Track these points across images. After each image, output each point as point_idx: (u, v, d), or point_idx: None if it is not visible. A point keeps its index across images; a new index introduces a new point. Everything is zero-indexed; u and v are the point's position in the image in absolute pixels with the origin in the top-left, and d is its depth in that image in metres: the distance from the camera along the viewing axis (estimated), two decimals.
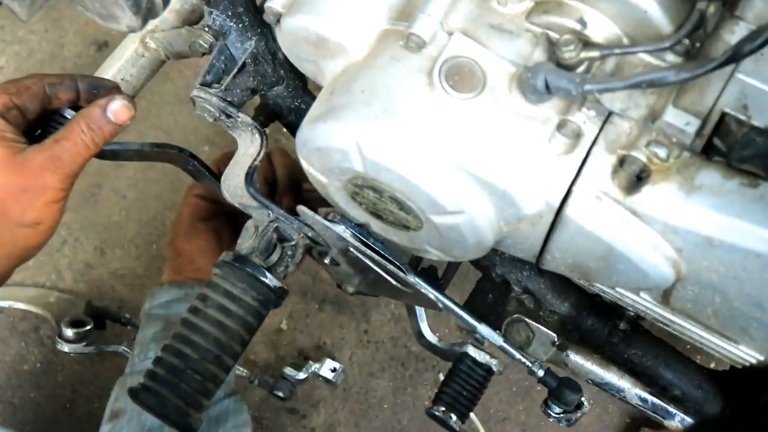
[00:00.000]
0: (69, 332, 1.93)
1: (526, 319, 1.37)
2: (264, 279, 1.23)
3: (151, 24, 1.45)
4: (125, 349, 1.91)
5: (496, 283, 1.38)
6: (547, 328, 1.37)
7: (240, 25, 1.23)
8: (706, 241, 0.97)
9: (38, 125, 1.21)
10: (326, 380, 2.01)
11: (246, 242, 1.26)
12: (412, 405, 1.74)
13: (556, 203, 1.02)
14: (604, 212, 1.00)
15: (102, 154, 1.25)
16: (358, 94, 1.05)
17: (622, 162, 0.98)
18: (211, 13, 1.22)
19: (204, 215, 1.50)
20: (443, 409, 1.34)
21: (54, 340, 1.97)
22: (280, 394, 1.97)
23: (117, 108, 1.17)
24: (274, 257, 1.26)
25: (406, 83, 1.03)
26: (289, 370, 2.00)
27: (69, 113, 1.20)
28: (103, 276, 2.14)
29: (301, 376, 2.00)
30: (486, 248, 1.12)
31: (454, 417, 1.34)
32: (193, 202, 1.51)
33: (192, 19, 1.43)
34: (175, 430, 1.20)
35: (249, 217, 1.28)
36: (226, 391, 1.42)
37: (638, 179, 0.98)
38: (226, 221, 1.51)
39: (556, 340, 1.37)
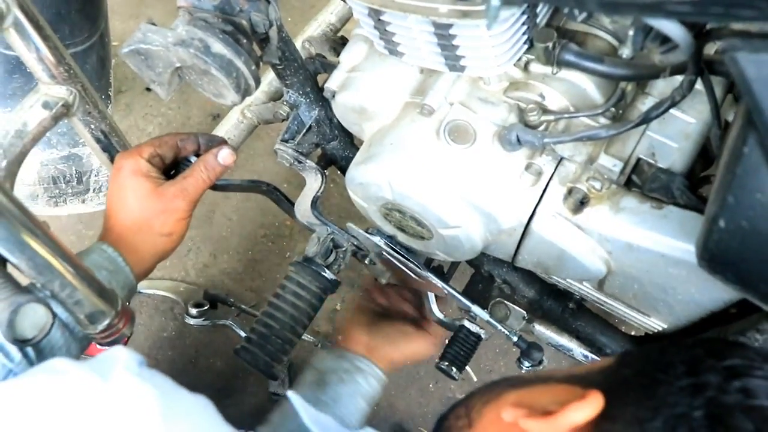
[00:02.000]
0: (193, 311, 1.93)
1: (505, 302, 1.36)
2: (324, 274, 1.23)
3: (248, 101, 1.46)
4: (230, 322, 1.91)
5: (485, 276, 1.37)
6: (519, 308, 1.35)
7: (308, 100, 1.22)
8: (627, 246, 0.96)
9: (172, 167, 1.21)
10: None
11: (311, 248, 1.26)
12: (426, 362, 1.72)
13: (525, 220, 1.01)
14: (558, 227, 0.99)
15: (214, 187, 1.25)
16: (388, 146, 1.04)
17: (570, 192, 0.98)
18: (288, 91, 1.22)
19: (368, 309, 1.46)
20: (447, 363, 1.33)
21: (183, 316, 1.97)
22: None
23: (225, 155, 1.18)
24: (331, 259, 1.26)
25: (421, 138, 1.02)
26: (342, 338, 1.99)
27: (193, 159, 1.21)
28: (215, 273, 2.14)
29: None
30: (477, 251, 1.10)
31: (454, 369, 1.33)
32: (366, 299, 1.49)
33: (275, 97, 1.43)
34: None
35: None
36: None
37: (581, 203, 0.97)
38: (374, 315, 1.46)
39: (525, 316, 1.35)
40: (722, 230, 0.73)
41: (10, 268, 0.88)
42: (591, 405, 0.67)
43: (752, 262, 0.74)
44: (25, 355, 0.95)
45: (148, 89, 2.41)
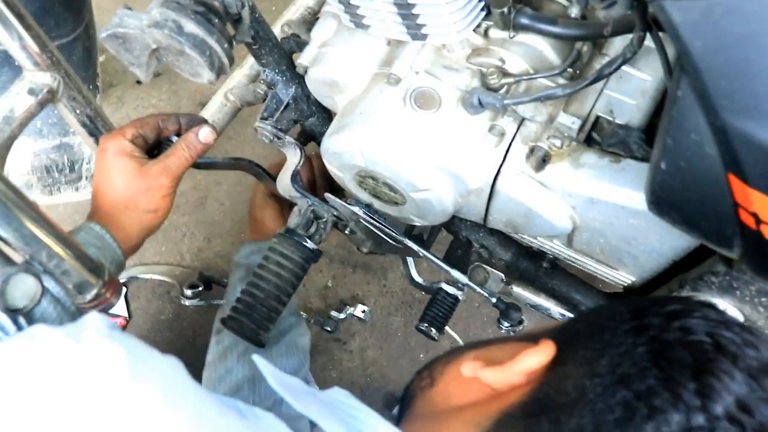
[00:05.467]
0: (188, 292, 1.97)
1: (483, 265, 1.39)
2: (306, 244, 1.25)
3: (231, 84, 1.49)
4: (224, 302, 1.94)
5: (463, 242, 1.39)
6: (497, 271, 1.38)
7: (284, 78, 1.25)
8: (589, 200, 0.99)
9: (155, 147, 1.24)
10: (359, 318, 2.03)
11: (293, 220, 1.28)
12: (417, 333, 1.74)
13: (491, 180, 1.03)
14: (522, 184, 1.02)
15: (198, 165, 1.28)
16: (358, 115, 1.07)
17: (532, 150, 1.00)
18: (265, 71, 1.25)
19: (268, 194, 1.49)
20: (426, 324, 1.36)
21: (180, 298, 2.00)
22: (328, 328, 1.99)
23: (205, 133, 1.21)
24: (312, 229, 1.28)
25: (389, 106, 1.05)
26: (333, 313, 2.02)
27: (174, 138, 1.23)
28: (210, 256, 2.17)
29: (342, 316, 2.02)
30: (449, 214, 1.13)
31: (433, 330, 1.36)
32: (261, 187, 1.50)
33: (257, 80, 1.46)
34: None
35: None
36: (290, 312, 1.41)
37: (543, 161, 1.00)
38: (284, 199, 1.49)
39: (503, 278, 1.38)
40: (664, 172, 0.76)
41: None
42: (543, 351, 0.71)
43: (692, 201, 0.77)
44: (20, 328, 0.98)
45: (139, 82, 2.43)
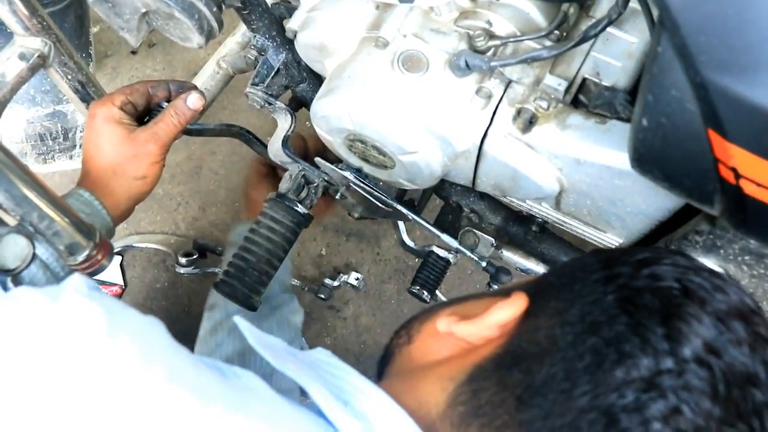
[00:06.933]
0: (182, 260, 1.98)
1: (474, 230, 1.39)
2: (297, 208, 1.26)
3: (223, 51, 1.49)
4: (219, 270, 1.94)
5: (453, 207, 1.40)
6: (487, 235, 1.39)
7: (275, 44, 1.25)
8: (576, 161, 1.00)
9: (145, 114, 1.24)
10: (352, 286, 2.05)
11: (284, 185, 1.29)
12: (410, 300, 1.77)
13: (478, 142, 1.04)
14: (509, 146, 1.03)
15: (189, 132, 1.28)
16: (347, 78, 1.07)
17: (519, 112, 1.01)
18: (255, 36, 1.25)
19: (264, 174, 1.52)
20: (418, 287, 1.37)
21: (175, 266, 2.01)
22: (322, 296, 2.01)
23: (193, 99, 1.20)
24: (303, 194, 1.28)
25: (377, 69, 1.05)
26: (327, 281, 2.03)
27: (164, 105, 1.23)
28: (204, 225, 2.18)
29: (336, 284, 2.03)
30: (437, 177, 1.13)
31: (425, 293, 1.37)
32: (256, 167, 1.53)
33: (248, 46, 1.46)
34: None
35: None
36: (283, 289, 1.44)
37: (530, 123, 1.00)
38: (278, 179, 1.51)
39: (493, 242, 1.39)
40: (645, 129, 0.77)
41: None
42: (515, 303, 0.72)
43: (674, 157, 0.77)
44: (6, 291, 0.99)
45: (134, 52, 2.42)
